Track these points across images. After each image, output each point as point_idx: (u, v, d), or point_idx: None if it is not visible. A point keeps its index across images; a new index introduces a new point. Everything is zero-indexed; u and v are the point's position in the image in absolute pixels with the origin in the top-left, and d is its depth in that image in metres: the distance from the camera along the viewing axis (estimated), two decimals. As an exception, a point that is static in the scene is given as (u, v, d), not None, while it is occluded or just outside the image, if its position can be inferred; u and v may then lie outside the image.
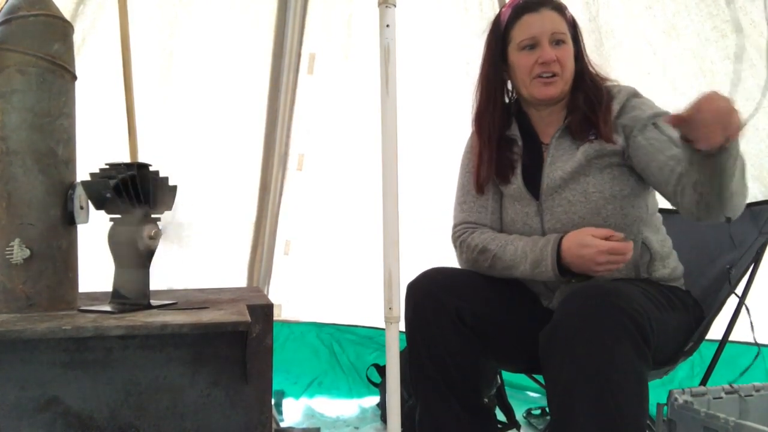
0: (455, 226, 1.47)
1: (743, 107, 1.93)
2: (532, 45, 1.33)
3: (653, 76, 2.04)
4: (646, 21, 2.00)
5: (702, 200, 1.15)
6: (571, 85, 1.36)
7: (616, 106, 1.33)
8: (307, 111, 2.53)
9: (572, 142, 1.35)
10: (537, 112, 1.42)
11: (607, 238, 1.20)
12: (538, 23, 1.32)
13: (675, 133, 1.23)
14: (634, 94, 1.35)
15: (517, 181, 1.40)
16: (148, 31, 2.15)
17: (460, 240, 1.43)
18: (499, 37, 1.39)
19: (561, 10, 1.36)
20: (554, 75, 1.33)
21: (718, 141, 1.00)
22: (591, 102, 1.34)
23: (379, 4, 1.23)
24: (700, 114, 0.99)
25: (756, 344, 1.53)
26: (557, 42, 1.32)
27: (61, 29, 1.11)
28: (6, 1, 1.10)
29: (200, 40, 2.28)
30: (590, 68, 1.40)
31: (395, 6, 1.24)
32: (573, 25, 1.38)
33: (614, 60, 2.08)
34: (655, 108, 1.32)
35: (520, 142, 1.42)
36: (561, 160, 1.35)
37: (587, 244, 1.21)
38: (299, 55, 2.45)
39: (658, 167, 1.24)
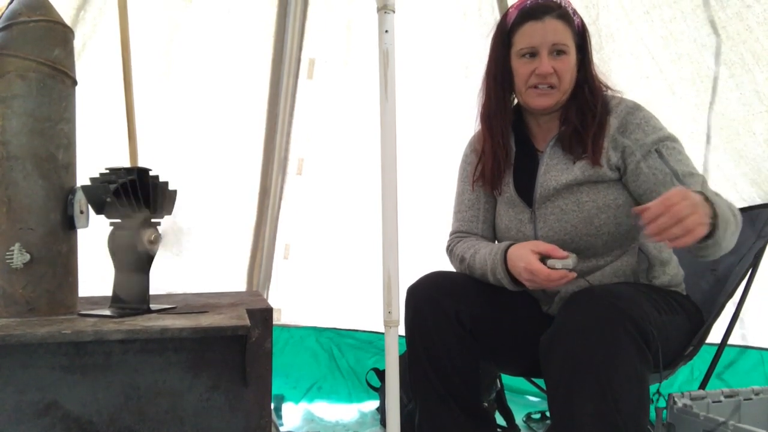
0: (449, 235, 1.51)
1: (739, 112, 1.96)
2: (532, 54, 1.30)
3: (651, 80, 2.05)
4: (645, 26, 2.01)
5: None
6: (569, 94, 1.34)
7: (614, 122, 1.30)
8: (307, 116, 2.53)
9: (567, 152, 1.34)
10: (534, 119, 1.41)
11: (549, 255, 1.20)
12: (540, 33, 1.28)
13: (679, 166, 1.24)
14: (636, 109, 1.31)
15: (509, 189, 1.40)
16: (148, 36, 2.16)
17: (450, 250, 1.47)
18: (504, 39, 1.36)
19: (567, 18, 1.30)
20: (551, 87, 1.30)
21: (681, 241, 1.00)
22: (583, 116, 1.32)
23: (379, 10, 1.24)
24: (660, 212, 1.00)
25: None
26: (557, 52, 1.29)
27: (62, 34, 1.11)
28: (7, 6, 1.10)
29: (200, 45, 2.29)
30: (594, 77, 1.36)
31: (394, 12, 1.24)
32: (581, 33, 1.34)
33: (614, 63, 2.10)
34: (658, 129, 1.28)
35: (513, 151, 1.42)
36: (555, 170, 1.34)
37: (522, 258, 1.22)
38: (299, 60, 2.45)
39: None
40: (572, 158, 1.32)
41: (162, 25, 2.22)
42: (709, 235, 1.07)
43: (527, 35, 1.30)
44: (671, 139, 1.29)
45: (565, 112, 1.35)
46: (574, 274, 1.19)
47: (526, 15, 1.31)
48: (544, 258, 1.20)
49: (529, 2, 1.33)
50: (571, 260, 1.19)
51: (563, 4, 1.32)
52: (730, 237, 1.14)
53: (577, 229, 1.31)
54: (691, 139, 2.02)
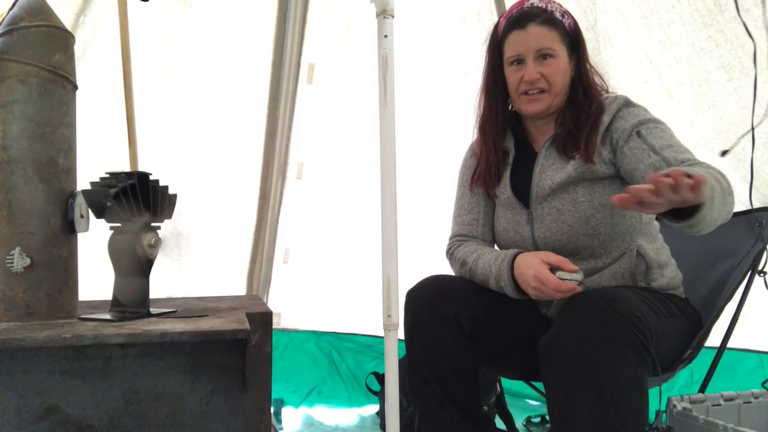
0: (449, 239, 1.52)
1: (738, 115, 1.96)
2: (519, 61, 1.34)
3: (650, 84, 2.05)
4: (643, 30, 2.02)
5: (688, 232, 1.13)
6: (564, 95, 1.36)
7: (606, 119, 1.32)
8: (307, 120, 2.54)
9: (561, 153, 1.36)
10: (532, 122, 1.43)
11: (559, 267, 1.19)
12: (523, 41, 1.32)
13: (657, 141, 1.24)
14: (626, 104, 1.34)
15: (506, 190, 1.41)
16: (148, 41, 2.17)
17: (450, 253, 1.47)
18: (495, 48, 1.40)
19: (552, 22, 1.32)
20: (542, 91, 1.32)
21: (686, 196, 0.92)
22: (578, 119, 1.33)
23: (378, 15, 1.24)
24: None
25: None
26: (544, 57, 1.31)
27: (63, 40, 1.12)
28: (8, 12, 1.11)
29: (200, 50, 2.29)
30: (590, 78, 1.38)
31: (393, 17, 1.25)
32: (572, 35, 1.36)
33: (611, 68, 2.10)
34: (641, 116, 1.30)
35: (512, 154, 1.43)
36: (551, 170, 1.36)
37: (532, 266, 1.22)
38: (298, 64, 2.46)
39: (641, 176, 1.24)
40: (567, 158, 1.34)
41: (162, 30, 2.23)
42: (697, 207, 1.00)
43: (512, 44, 1.34)
44: (653, 121, 1.29)
45: (562, 115, 1.37)
46: (581, 288, 1.19)
47: (511, 24, 1.35)
48: (553, 269, 1.20)
49: (515, 11, 1.36)
50: (580, 275, 1.19)
51: (549, 7, 1.34)
52: (718, 205, 1.07)
53: (573, 229, 1.32)
54: (689, 142, 2.02)
